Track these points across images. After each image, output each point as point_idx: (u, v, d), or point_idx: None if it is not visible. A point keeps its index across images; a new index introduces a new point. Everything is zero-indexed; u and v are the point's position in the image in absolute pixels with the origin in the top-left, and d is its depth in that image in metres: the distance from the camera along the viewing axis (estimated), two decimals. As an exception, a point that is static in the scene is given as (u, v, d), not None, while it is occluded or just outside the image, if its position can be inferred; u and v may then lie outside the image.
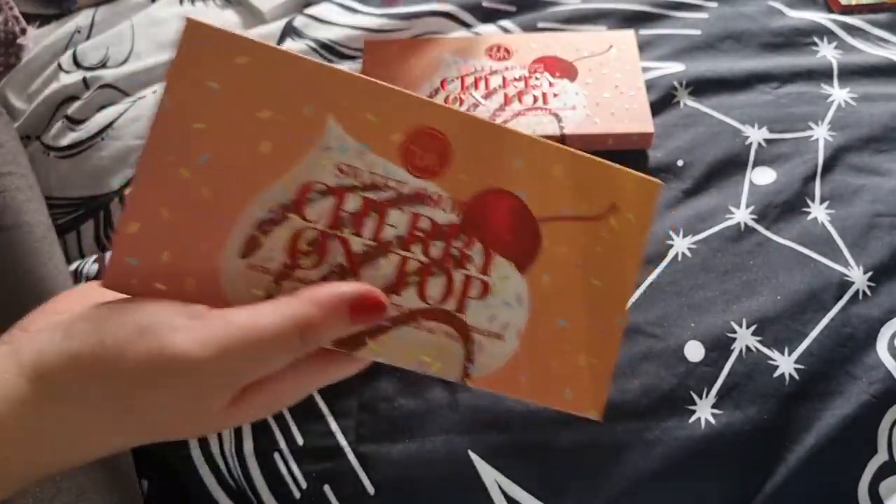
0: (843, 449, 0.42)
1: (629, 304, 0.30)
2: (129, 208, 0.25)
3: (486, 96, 0.49)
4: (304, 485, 0.42)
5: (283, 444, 0.43)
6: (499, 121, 0.39)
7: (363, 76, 0.27)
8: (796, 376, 0.42)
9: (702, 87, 0.55)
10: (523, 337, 0.28)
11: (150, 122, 0.25)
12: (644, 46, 0.58)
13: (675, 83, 0.55)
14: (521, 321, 0.28)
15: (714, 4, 0.62)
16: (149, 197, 0.25)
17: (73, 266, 0.52)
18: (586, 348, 0.28)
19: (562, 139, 0.45)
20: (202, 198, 0.25)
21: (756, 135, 0.52)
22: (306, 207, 0.26)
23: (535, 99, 0.49)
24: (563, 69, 0.51)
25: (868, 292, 0.45)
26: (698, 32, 0.59)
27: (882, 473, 0.41)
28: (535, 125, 0.44)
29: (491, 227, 0.27)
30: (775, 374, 0.42)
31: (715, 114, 0.53)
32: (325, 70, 0.26)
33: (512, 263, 0.28)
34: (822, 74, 0.56)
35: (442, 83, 0.52)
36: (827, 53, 0.58)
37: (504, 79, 0.51)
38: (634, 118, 0.50)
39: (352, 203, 0.26)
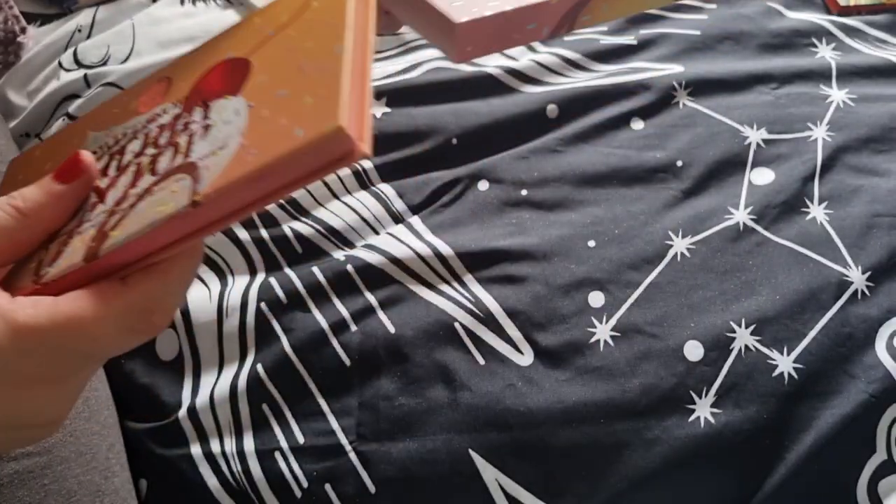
0: (842, 448, 0.42)
1: (347, 41, 0.28)
2: None
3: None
4: (305, 484, 0.42)
5: (283, 443, 0.43)
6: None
7: (106, 103, 0.35)
8: (795, 376, 0.43)
9: (701, 87, 0.55)
10: (245, 131, 0.27)
11: None
12: (643, 47, 0.59)
13: (675, 84, 0.55)
14: (242, 122, 0.28)
15: (713, 6, 0.62)
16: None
17: None
18: (310, 91, 0.27)
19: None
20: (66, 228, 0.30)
21: (755, 135, 0.52)
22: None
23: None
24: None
25: (867, 292, 0.45)
26: (697, 33, 0.59)
27: (881, 472, 0.42)
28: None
29: (203, 90, 0.31)
30: (774, 374, 0.43)
31: (714, 114, 0.54)
32: (84, 119, 0.35)
33: (225, 96, 0.29)
34: (820, 75, 0.56)
35: None
36: (826, 54, 0.58)
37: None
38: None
39: (101, 163, 0.31)
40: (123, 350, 0.27)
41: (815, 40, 0.59)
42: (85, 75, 0.58)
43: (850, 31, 0.60)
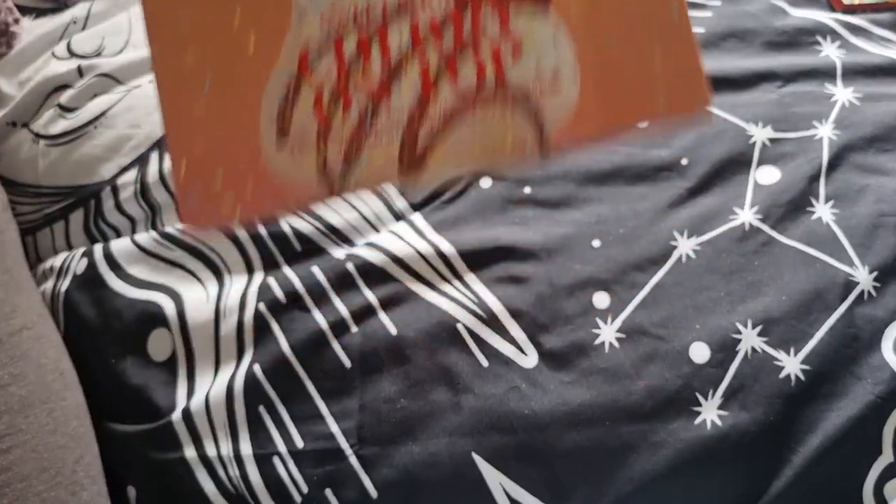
0: (848, 450, 0.41)
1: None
2: (171, 158, 0.29)
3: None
4: (305, 489, 0.41)
5: (281, 447, 0.42)
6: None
7: None
8: (802, 377, 0.42)
9: (705, 85, 0.55)
10: (581, 73, 0.26)
11: (157, 87, 0.28)
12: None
13: (679, 81, 0.54)
14: (571, 59, 0.26)
15: (717, 3, 0.62)
16: (181, 145, 0.29)
17: (60, 258, 0.51)
18: (657, 50, 0.25)
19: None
20: (223, 116, 0.28)
21: (760, 134, 0.52)
22: (312, 69, 0.28)
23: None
24: None
25: (873, 292, 0.45)
26: (702, 31, 0.59)
27: (887, 474, 0.41)
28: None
29: None
30: (781, 375, 0.42)
31: (719, 112, 0.53)
32: None
33: (530, 9, 0.26)
34: (825, 74, 0.56)
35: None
36: (830, 53, 0.58)
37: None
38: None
39: (349, 44, 0.27)
40: None
41: (819, 38, 0.59)
42: (79, 66, 0.57)
43: (855, 30, 0.60)
